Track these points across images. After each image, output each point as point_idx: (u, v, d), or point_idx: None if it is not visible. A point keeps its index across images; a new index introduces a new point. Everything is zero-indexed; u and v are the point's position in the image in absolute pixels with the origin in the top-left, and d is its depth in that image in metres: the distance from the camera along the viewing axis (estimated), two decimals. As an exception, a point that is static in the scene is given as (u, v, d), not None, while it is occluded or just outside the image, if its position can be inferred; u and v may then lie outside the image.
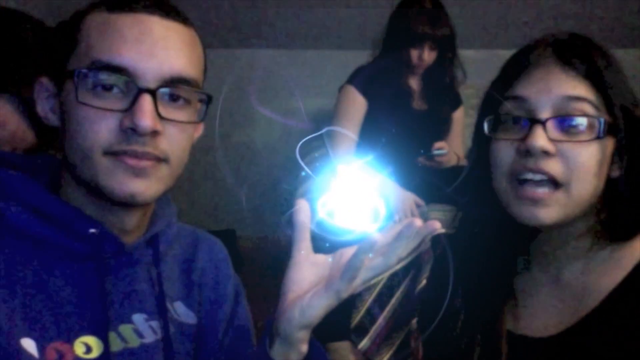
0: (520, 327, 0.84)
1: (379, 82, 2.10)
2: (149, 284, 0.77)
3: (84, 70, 0.67)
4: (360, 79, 2.14)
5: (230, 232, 3.52)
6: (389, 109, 2.07)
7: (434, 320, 0.92)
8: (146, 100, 0.67)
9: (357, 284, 0.65)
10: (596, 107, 0.75)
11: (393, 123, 2.02)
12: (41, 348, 0.65)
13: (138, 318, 0.75)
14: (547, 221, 0.75)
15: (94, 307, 0.71)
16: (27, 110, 0.96)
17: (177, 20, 0.72)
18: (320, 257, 0.70)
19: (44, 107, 0.75)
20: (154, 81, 0.68)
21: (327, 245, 0.70)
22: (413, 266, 1.94)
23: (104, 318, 0.71)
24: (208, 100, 0.75)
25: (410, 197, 2.05)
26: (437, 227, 0.62)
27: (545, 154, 0.74)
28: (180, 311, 0.81)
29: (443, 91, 2.23)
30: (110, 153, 0.67)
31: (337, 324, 1.95)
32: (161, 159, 0.70)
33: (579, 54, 0.76)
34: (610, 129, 0.75)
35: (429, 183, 2.07)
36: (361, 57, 2.26)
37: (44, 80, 0.74)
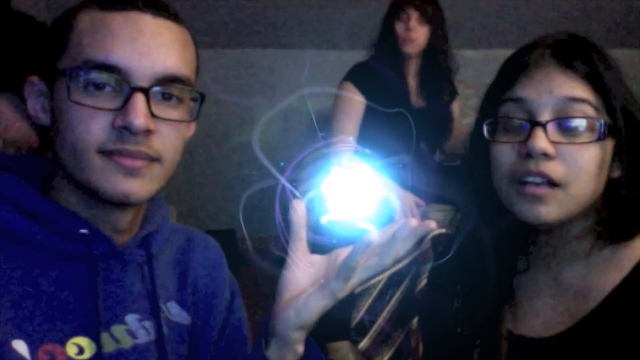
0: (520, 328, 0.84)
1: (376, 80, 2.08)
2: (141, 284, 0.77)
3: (76, 69, 0.67)
4: (358, 75, 2.12)
5: (230, 232, 3.52)
6: (387, 108, 2.06)
7: (434, 321, 0.92)
8: (139, 99, 0.66)
9: (353, 284, 0.64)
10: (596, 109, 0.74)
11: (392, 122, 2.01)
12: (33, 350, 0.65)
13: (131, 318, 0.74)
14: (548, 219, 0.75)
15: (86, 308, 0.70)
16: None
17: (169, 18, 0.71)
18: (316, 258, 0.69)
19: (35, 106, 0.74)
20: (147, 80, 0.67)
21: (324, 245, 0.69)
22: (413, 266, 1.94)
23: (96, 319, 0.70)
24: (201, 99, 0.74)
25: (410, 197, 2.04)
26: (433, 226, 0.62)
27: (546, 156, 0.73)
28: (174, 311, 0.81)
29: (440, 84, 2.21)
30: (103, 152, 0.67)
31: (337, 324, 1.95)
32: (154, 159, 0.69)
33: (579, 55, 0.76)
34: (611, 131, 0.75)
35: (429, 183, 2.07)
36: (361, 57, 2.26)
37: (34, 79, 0.73)
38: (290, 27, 3.64)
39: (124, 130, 0.66)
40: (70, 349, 0.67)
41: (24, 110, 0.95)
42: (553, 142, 0.74)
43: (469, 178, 0.88)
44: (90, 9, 0.70)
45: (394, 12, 2.11)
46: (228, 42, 3.70)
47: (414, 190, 2.05)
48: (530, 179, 0.75)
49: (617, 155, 0.77)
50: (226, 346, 0.86)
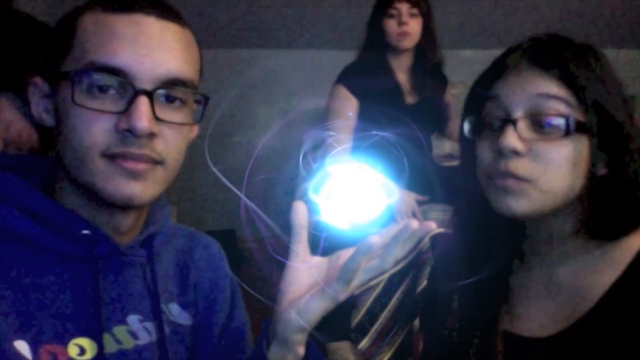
0: (517, 327, 0.84)
1: (367, 80, 2.07)
2: (143, 285, 0.77)
3: (80, 72, 0.66)
4: (349, 77, 2.12)
5: (230, 232, 3.53)
6: (380, 107, 2.05)
7: (435, 320, 0.92)
8: (143, 102, 0.66)
9: (354, 286, 0.64)
10: (569, 105, 0.75)
11: (386, 121, 2.01)
12: (34, 350, 0.65)
13: (132, 319, 0.75)
14: (518, 210, 0.76)
15: (88, 309, 0.70)
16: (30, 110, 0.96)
17: (174, 20, 0.71)
18: (318, 259, 0.69)
19: (38, 108, 0.74)
20: (151, 82, 0.67)
21: (325, 247, 0.69)
22: (413, 266, 1.93)
23: (98, 319, 0.70)
24: (205, 102, 0.74)
25: (410, 197, 2.04)
26: (433, 227, 0.62)
27: (516, 153, 0.74)
28: (175, 312, 0.81)
29: (433, 77, 2.20)
30: (107, 155, 0.67)
31: (337, 324, 1.94)
32: (157, 161, 0.69)
33: (551, 54, 0.77)
34: (582, 127, 0.75)
35: (429, 183, 2.07)
36: (360, 57, 2.25)
37: (38, 80, 0.73)
38: (290, 27, 3.64)
39: (128, 133, 0.66)
40: (72, 350, 0.68)
41: (25, 111, 0.96)
42: (525, 140, 0.75)
43: (458, 177, 0.89)
44: (94, 11, 0.69)
45: (383, 11, 2.10)
46: (228, 42, 3.70)
47: (411, 181, 2.03)
48: (500, 177, 0.76)
49: (603, 151, 0.77)
50: (227, 347, 0.86)
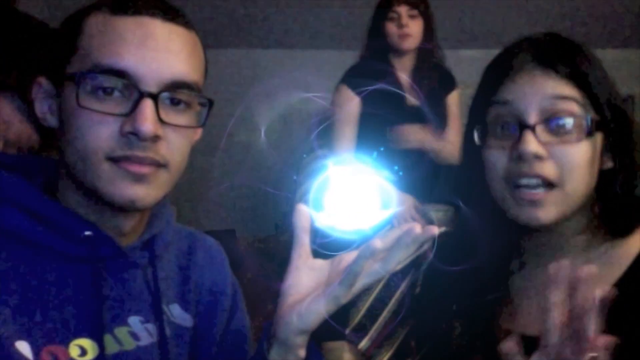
0: (519, 326, 0.84)
1: (369, 81, 2.08)
2: (145, 286, 0.77)
3: (85, 74, 0.66)
4: (353, 77, 2.13)
5: (230, 232, 3.52)
6: (383, 109, 2.06)
7: (432, 321, 0.92)
8: (147, 105, 0.66)
9: (356, 289, 0.64)
10: (582, 106, 0.75)
11: (388, 123, 2.01)
12: (36, 351, 0.65)
13: (134, 320, 0.75)
14: (546, 221, 0.76)
15: (89, 310, 0.70)
16: (31, 110, 0.96)
17: (180, 23, 0.71)
18: (319, 262, 0.69)
19: (42, 108, 0.74)
20: (156, 85, 0.67)
21: (326, 250, 0.69)
22: (413, 266, 1.93)
23: (99, 320, 0.70)
24: (210, 105, 0.74)
25: (409, 200, 2.04)
26: (435, 232, 0.62)
27: (538, 158, 0.74)
28: (177, 313, 0.81)
29: (435, 78, 2.20)
30: (111, 159, 0.67)
31: (332, 324, 1.94)
32: (161, 164, 0.69)
33: (561, 55, 0.77)
34: (598, 126, 0.75)
35: (429, 183, 2.07)
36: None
37: (42, 80, 0.73)
38: (290, 27, 3.64)
39: (132, 136, 0.66)
40: (73, 351, 0.68)
41: (26, 111, 0.95)
42: (543, 143, 0.75)
43: (463, 181, 0.89)
44: (99, 13, 0.69)
45: (383, 13, 2.11)
46: (228, 42, 3.70)
47: (411, 182, 2.03)
48: (525, 181, 0.76)
49: (608, 147, 0.78)
50: (228, 348, 0.86)
